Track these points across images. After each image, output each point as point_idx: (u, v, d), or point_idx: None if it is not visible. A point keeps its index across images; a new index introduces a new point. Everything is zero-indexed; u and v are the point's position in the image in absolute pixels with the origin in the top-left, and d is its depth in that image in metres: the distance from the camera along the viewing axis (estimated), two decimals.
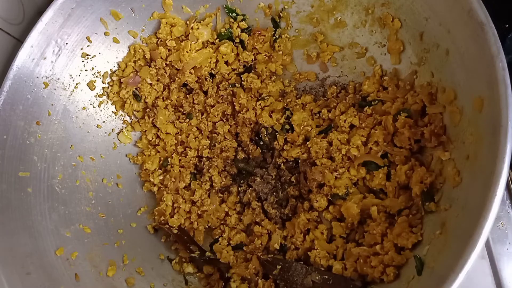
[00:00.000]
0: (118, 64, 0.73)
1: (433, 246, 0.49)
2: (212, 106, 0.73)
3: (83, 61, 0.69)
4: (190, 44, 0.72)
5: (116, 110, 0.74)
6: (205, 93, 0.75)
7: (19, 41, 0.67)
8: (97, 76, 0.71)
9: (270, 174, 0.70)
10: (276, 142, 0.72)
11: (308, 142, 0.68)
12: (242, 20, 0.74)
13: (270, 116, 0.72)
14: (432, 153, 0.57)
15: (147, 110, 0.74)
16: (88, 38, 0.68)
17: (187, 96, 0.75)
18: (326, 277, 0.57)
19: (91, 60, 0.70)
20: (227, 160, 0.73)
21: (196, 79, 0.75)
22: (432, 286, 0.45)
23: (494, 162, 0.42)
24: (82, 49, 0.68)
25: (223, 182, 0.72)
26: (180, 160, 0.74)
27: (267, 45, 0.74)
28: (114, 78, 0.72)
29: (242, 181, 0.72)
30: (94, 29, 0.68)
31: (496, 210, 0.40)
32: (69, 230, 0.62)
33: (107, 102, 0.73)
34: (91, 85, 0.70)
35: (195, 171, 0.74)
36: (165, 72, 0.73)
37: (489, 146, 0.44)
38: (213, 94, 0.74)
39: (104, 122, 0.72)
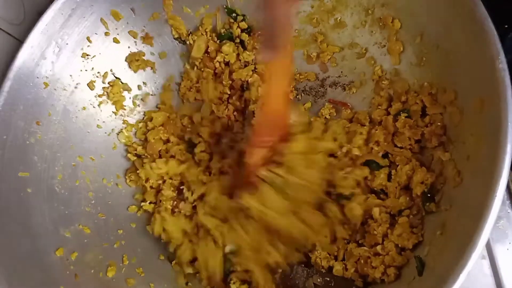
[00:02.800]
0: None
1: (433, 247, 0.49)
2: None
3: (83, 61, 0.69)
4: None
5: (116, 110, 0.74)
6: None
7: (19, 41, 0.67)
8: (97, 76, 0.71)
9: None
10: None
11: None
12: (242, 21, 0.74)
13: None
14: (433, 153, 0.57)
15: None
16: (88, 38, 0.68)
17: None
18: (328, 279, 0.57)
19: (91, 60, 0.70)
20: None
21: None
22: (432, 287, 0.45)
23: (495, 163, 0.42)
24: (82, 49, 0.68)
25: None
26: None
27: None
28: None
29: None
30: (95, 29, 0.68)
31: (497, 210, 0.40)
32: (68, 230, 0.62)
33: (107, 102, 0.73)
34: (91, 85, 0.70)
35: None
36: None
37: (490, 146, 0.44)
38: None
39: (104, 122, 0.72)
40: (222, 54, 0.73)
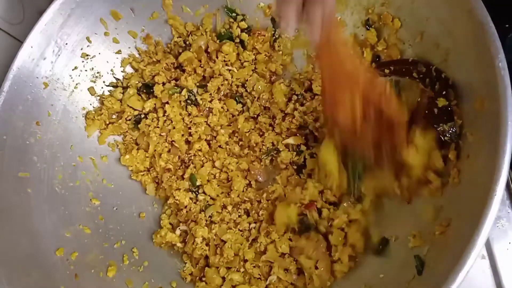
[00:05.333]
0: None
1: (433, 246, 0.49)
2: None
3: (83, 61, 0.69)
4: None
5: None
6: None
7: (19, 41, 0.67)
8: (96, 76, 0.71)
9: None
10: None
11: None
12: (242, 20, 0.74)
13: None
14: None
15: None
16: (88, 38, 0.68)
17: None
18: None
19: (91, 60, 0.70)
20: None
21: None
22: (432, 286, 0.45)
23: (494, 161, 0.42)
24: (82, 49, 0.68)
25: None
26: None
27: (267, 45, 0.74)
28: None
29: None
30: (94, 29, 0.68)
31: (496, 209, 0.40)
32: (69, 230, 0.62)
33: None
34: (90, 85, 0.70)
35: None
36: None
37: (489, 145, 0.44)
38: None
39: None
40: (222, 54, 0.73)
